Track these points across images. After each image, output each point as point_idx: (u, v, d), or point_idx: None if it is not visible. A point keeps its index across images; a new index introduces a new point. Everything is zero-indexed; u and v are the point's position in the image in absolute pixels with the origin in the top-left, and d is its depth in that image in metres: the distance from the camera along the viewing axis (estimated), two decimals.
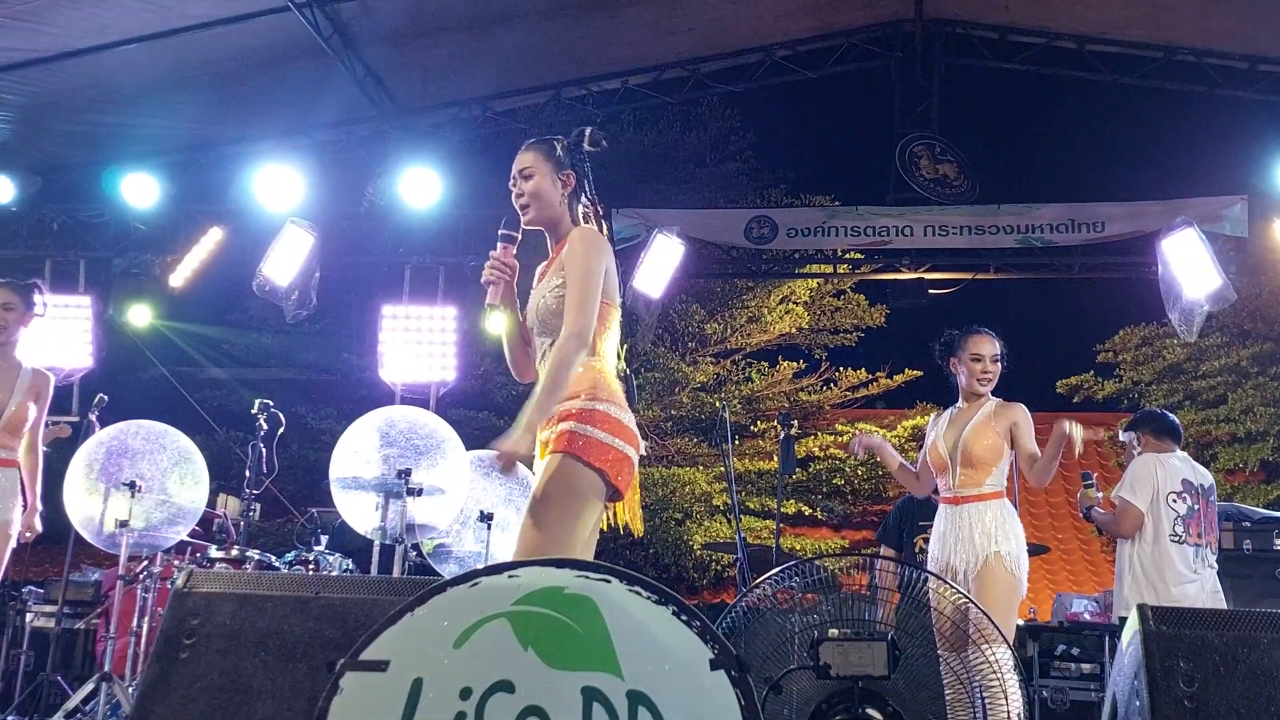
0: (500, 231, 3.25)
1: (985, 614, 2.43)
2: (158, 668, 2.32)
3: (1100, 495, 5.28)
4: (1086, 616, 7.08)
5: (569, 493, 2.88)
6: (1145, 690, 2.00)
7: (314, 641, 2.31)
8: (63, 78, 7.72)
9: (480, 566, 2.12)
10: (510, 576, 1.99)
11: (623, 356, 3.12)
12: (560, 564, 2.03)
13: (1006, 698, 2.55)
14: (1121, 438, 5.49)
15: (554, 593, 1.98)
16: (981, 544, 4.17)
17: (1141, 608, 2.17)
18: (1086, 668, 6.96)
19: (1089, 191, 8.92)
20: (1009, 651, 2.44)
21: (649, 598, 1.96)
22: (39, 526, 4.88)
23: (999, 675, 2.39)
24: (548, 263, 3.29)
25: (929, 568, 4.55)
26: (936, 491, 4.50)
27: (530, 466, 3.11)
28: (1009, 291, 10.43)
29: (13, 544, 4.76)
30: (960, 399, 4.54)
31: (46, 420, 5.05)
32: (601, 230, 3.24)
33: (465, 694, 1.91)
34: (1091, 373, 16.76)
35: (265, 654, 2.30)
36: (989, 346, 4.47)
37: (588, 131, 3.26)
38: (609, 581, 1.97)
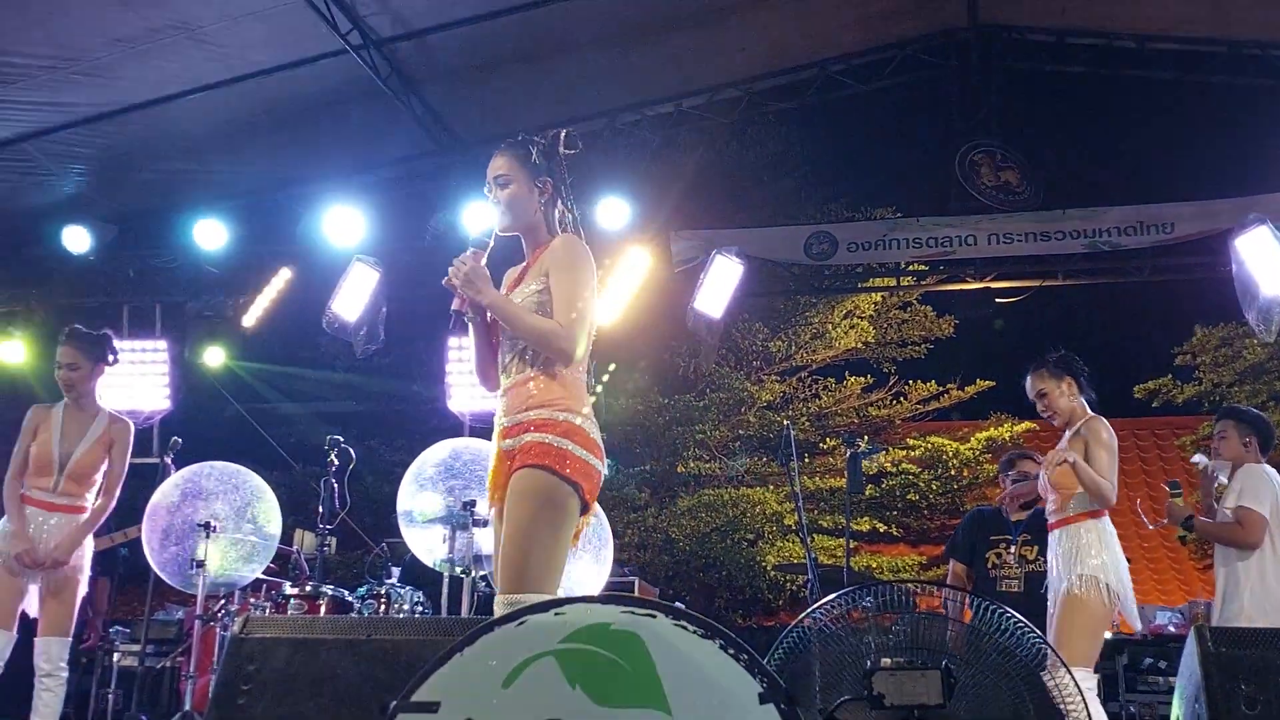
0: (472, 237, 3.20)
1: (1043, 639, 2.39)
2: (216, 714, 2.37)
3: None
4: (1170, 629, 6.89)
5: (552, 507, 2.84)
6: (1206, 714, 1.94)
7: (366, 684, 2.34)
8: (133, 129, 7.98)
9: (530, 603, 2.13)
10: (556, 614, 2.00)
11: (592, 372, 3.11)
12: (606, 600, 2.04)
13: None
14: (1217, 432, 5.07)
15: (601, 629, 1.97)
16: (1060, 569, 4.18)
17: (1199, 628, 2.11)
18: (1175, 681, 6.74)
19: (1156, 192, 8.66)
20: (1068, 676, 2.40)
21: (695, 632, 1.95)
22: (51, 552, 4.55)
23: (1061, 701, 2.35)
24: (523, 268, 3.25)
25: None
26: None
27: (468, 302, 3.06)
28: (1079, 297, 10.22)
29: (83, 590, 4.72)
30: None
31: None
32: (580, 236, 3.20)
33: None
34: (1170, 376, 16.26)
35: (320, 698, 2.33)
36: (1027, 387, 4.63)
37: (563, 134, 3.22)
38: (655, 617, 1.97)
